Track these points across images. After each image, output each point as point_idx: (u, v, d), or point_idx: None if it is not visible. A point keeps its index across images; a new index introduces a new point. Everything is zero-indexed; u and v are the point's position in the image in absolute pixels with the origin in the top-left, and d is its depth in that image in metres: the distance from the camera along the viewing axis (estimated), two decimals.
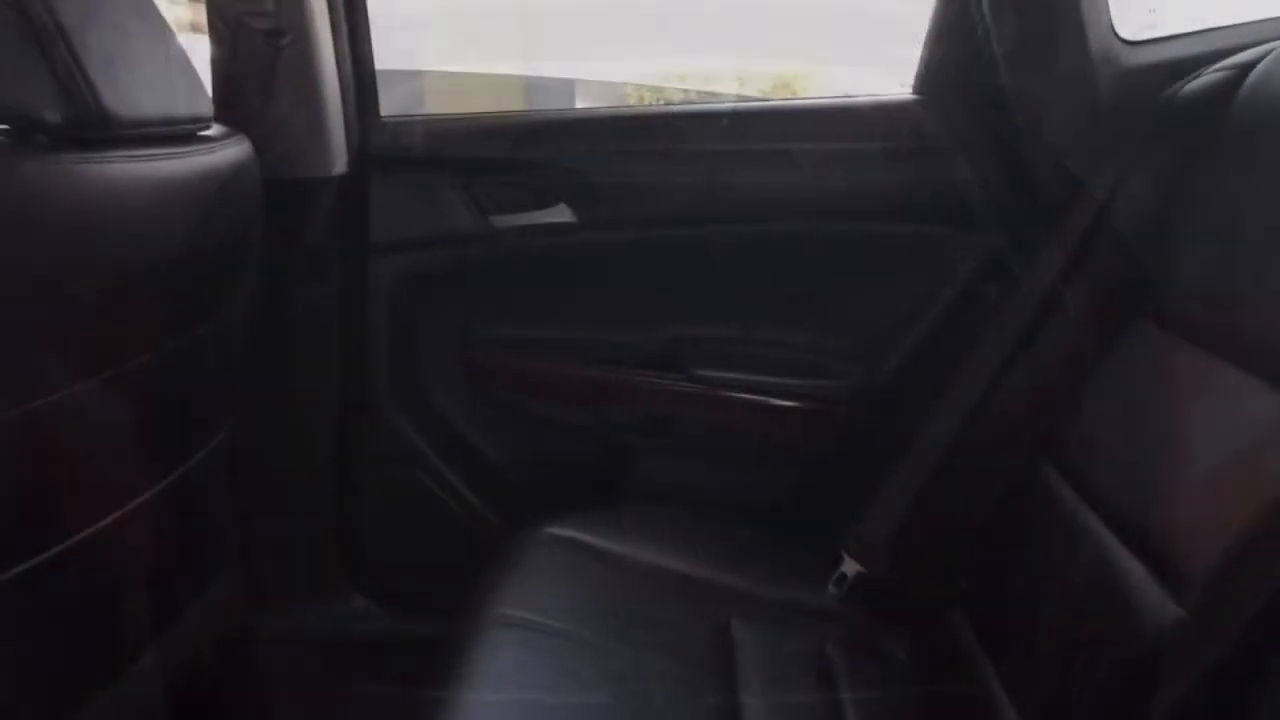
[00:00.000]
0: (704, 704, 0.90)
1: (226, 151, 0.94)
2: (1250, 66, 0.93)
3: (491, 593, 0.99)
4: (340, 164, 1.24)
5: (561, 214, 1.31)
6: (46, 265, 0.72)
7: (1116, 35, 1.13)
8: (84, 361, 0.79)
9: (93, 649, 0.94)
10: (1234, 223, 0.85)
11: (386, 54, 1.29)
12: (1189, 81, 1.01)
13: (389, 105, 1.30)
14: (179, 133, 0.86)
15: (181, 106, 0.86)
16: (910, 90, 1.26)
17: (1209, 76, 0.99)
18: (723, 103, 1.70)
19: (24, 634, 0.79)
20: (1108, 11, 1.12)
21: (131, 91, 0.77)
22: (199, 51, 1.10)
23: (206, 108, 0.92)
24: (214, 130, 0.95)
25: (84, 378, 0.78)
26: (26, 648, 0.81)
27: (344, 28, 1.21)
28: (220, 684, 1.29)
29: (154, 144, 0.82)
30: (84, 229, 0.74)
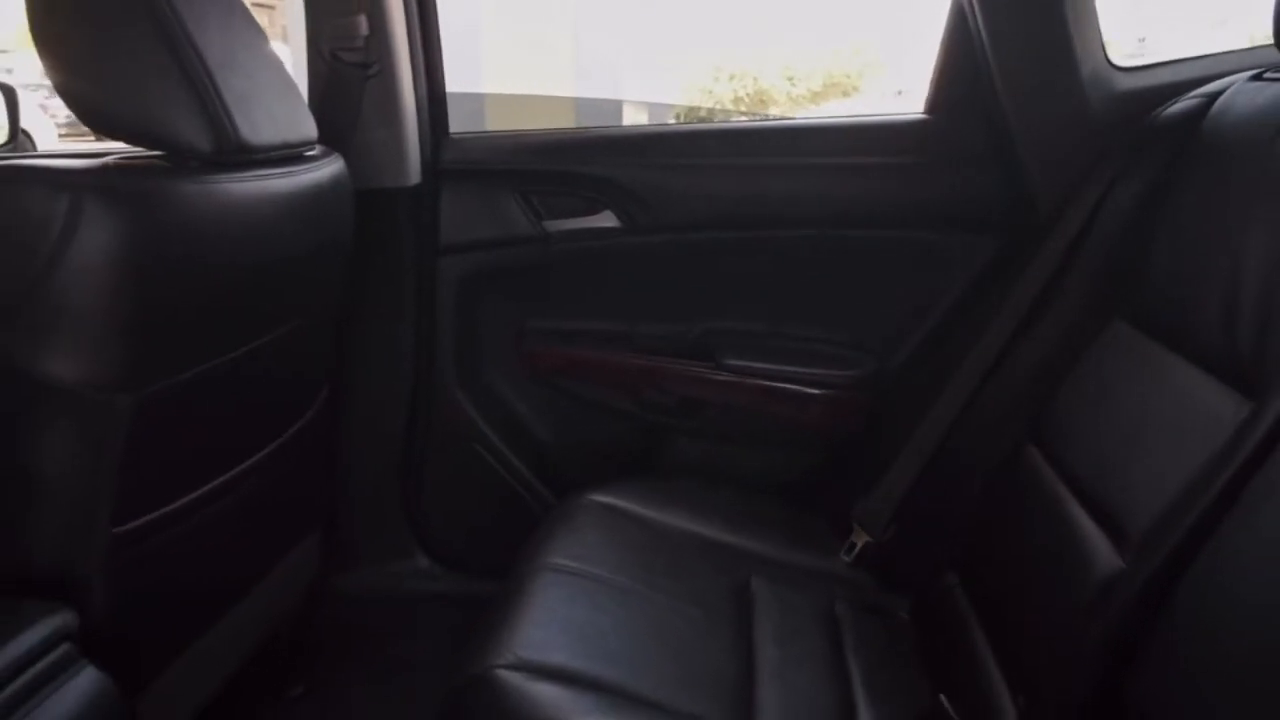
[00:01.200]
0: (723, 645, 1.01)
1: (327, 168, 1.09)
2: (1218, 95, 1.05)
3: (541, 545, 1.12)
4: (415, 176, 1.37)
5: (607, 220, 1.42)
6: (195, 267, 0.88)
7: (1109, 61, 1.23)
8: (215, 344, 0.95)
9: (206, 588, 1.10)
10: (1193, 232, 0.96)
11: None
12: (1169, 106, 1.11)
13: (458, 124, 1.44)
14: (293, 154, 1.02)
15: (295, 133, 1.02)
16: (922, 110, 1.37)
17: (1185, 102, 1.09)
18: (751, 122, 1.81)
19: (156, 571, 0.95)
20: (1100, 39, 1.22)
21: (260, 123, 0.93)
22: None
23: (312, 132, 1.08)
24: (316, 150, 1.11)
25: (216, 357, 0.95)
26: (158, 584, 0.96)
27: (420, 58, 1.34)
28: (299, 635, 1.45)
29: (275, 165, 0.98)
30: (223, 236, 0.90)
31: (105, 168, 0.82)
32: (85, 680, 0.78)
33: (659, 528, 1.22)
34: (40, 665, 0.75)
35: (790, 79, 13.49)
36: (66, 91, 0.87)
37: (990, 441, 1.16)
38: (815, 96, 13.48)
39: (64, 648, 0.78)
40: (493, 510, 1.50)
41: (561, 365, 1.50)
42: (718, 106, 13.48)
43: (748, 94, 13.43)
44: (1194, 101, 1.07)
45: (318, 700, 1.38)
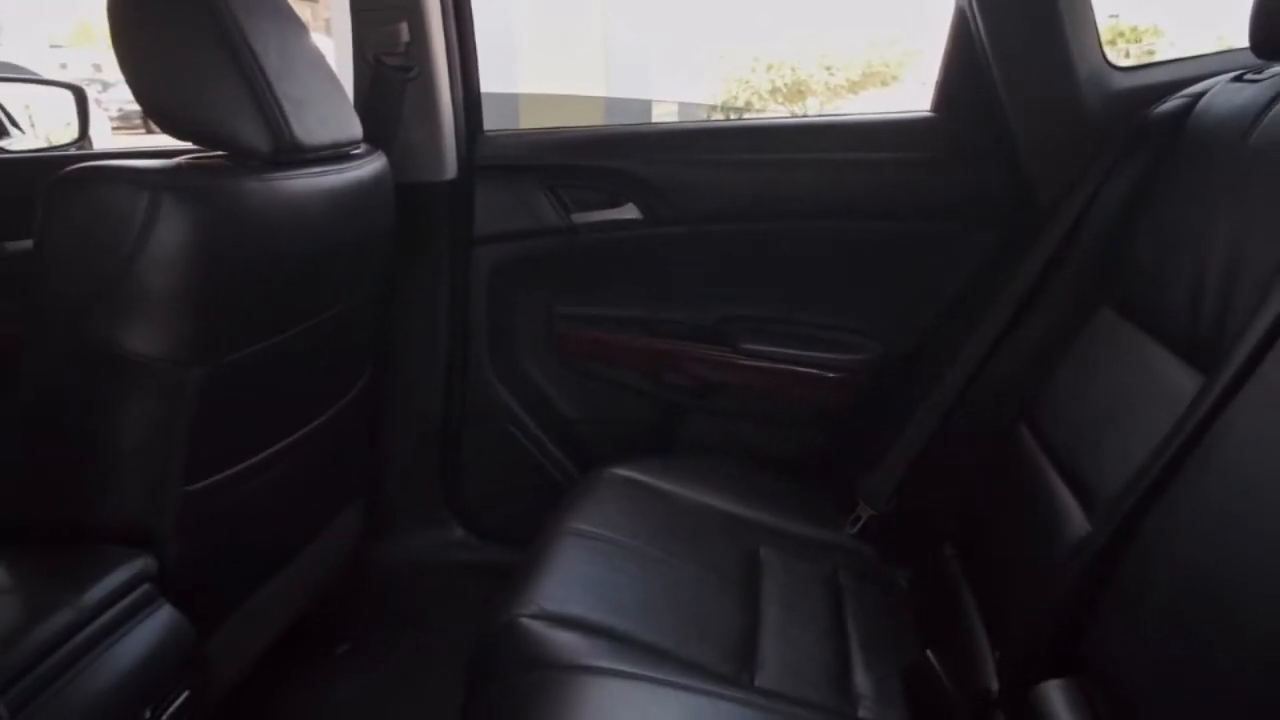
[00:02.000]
0: (730, 605, 1.09)
1: (371, 165, 1.19)
2: (1202, 95, 1.10)
3: (565, 513, 1.21)
4: (451, 171, 1.46)
5: (630, 212, 1.50)
6: (256, 255, 0.98)
7: (1106, 61, 1.29)
8: (273, 323, 1.05)
9: (264, 545, 1.21)
10: (1171, 224, 1.02)
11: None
12: (1158, 105, 1.17)
13: (495, 122, 1.53)
14: (341, 153, 1.12)
15: (343, 133, 1.12)
16: (928, 109, 1.43)
17: (1172, 102, 1.15)
18: (765, 119, 1.87)
19: (221, 526, 1.06)
20: (1097, 40, 1.27)
21: (312, 125, 1.04)
22: None
23: (358, 131, 1.18)
24: (361, 148, 1.21)
25: (274, 335, 1.05)
26: (223, 538, 1.07)
27: (457, 61, 1.44)
28: (344, 597, 1.56)
29: (325, 163, 1.08)
30: (280, 228, 1.01)
31: (179, 168, 0.93)
32: (163, 616, 0.89)
33: (675, 499, 1.30)
34: (125, 601, 0.86)
35: (828, 68, 13.39)
36: (143, 97, 0.97)
37: (986, 422, 1.23)
38: (853, 86, 13.36)
39: (144, 588, 0.89)
40: (522, 483, 1.59)
41: (587, 348, 1.58)
42: (755, 96, 13.42)
43: (785, 84, 13.36)
44: (1180, 101, 1.13)
45: (362, 656, 1.50)
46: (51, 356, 0.91)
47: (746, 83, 13.41)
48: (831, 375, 1.49)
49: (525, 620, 0.97)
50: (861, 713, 0.98)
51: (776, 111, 13.53)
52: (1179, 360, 0.90)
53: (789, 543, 1.27)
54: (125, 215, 0.87)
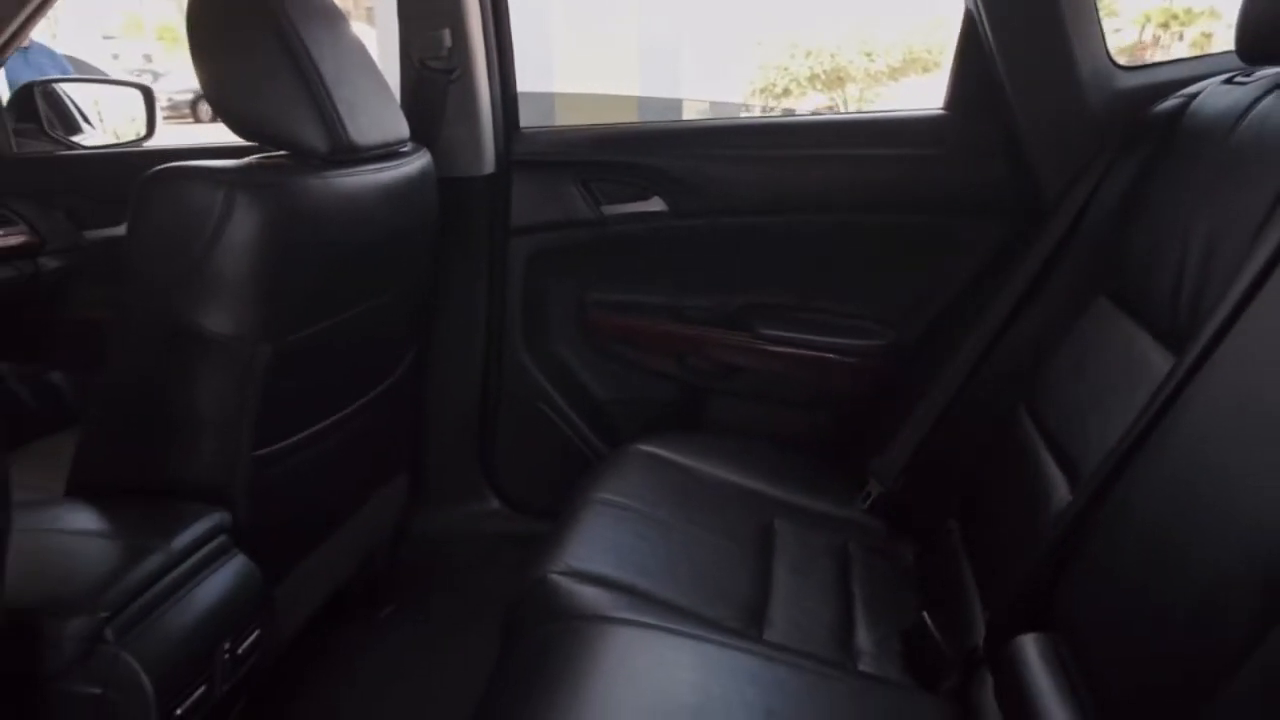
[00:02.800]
0: (745, 570, 1.18)
1: (417, 161, 1.29)
2: (1196, 95, 1.16)
3: (592, 484, 1.29)
4: (490, 166, 1.56)
5: (656, 204, 1.58)
6: (316, 244, 1.09)
7: (1111, 60, 1.35)
8: (331, 306, 1.16)
9: (319, 508, 1.33)
10: (1161, 217, 1.08)
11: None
12: (1156, 105, 1.23)
13: (531, 119, 1.62)
14: (390, 151, 1.22)
15: (392, 133, 1.22)
16: (940, 107, 1.50)
17: (1170, 102, 1.21)
18: (785, 117, 1.94)
19: (284, 488, 1.17)
20: (1101, 41, 1.33)
21: (365, 127, 1.14)
22: None
23: (405, 131, 1.28)
24: (408, 146, 1.31)
25: (331, 317, 1.16)
26: (286, 498, 1.18)
27: (495, 63, 1.53)
28: (389, 563, 1.68)
29: (376, 160, 1.18)
30: (336, 220, 1.11)
31: (249, 166, 1.04)
32: (238, 564, 1.01)
33: (696, 474, 1.38)
34: (206, 549, 0.98)
35: (868, 55, 13.23)
36: (216, 102, 1.08)
37: (990, 405, 1.30)
38: (894, 72, 13.18)
39: (221, 539, 1.01)
40: (553, 459, 1.69)
41: (616, 333, 1.67)
42: (793, 83, 13.32)
43: (824, 70, 13.23)
44: (1177, 101, 1.19)
45: (405, 617, 1.61)
46: (139, 335, 1.03)
47: (785, 69, 13.29)
48: (846, 360, 1.57)
49: (555, 577, 1.07)
50: (861, 666, 1.07)
51: (815, 98, 13.43)
52: (1159, 345, 0.97)
53: (802, 516, 1.35)
54: (204, 210, 0.98)
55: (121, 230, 1.74)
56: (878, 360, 1.55)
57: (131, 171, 1.77)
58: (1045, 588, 0.90)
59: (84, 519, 0.95)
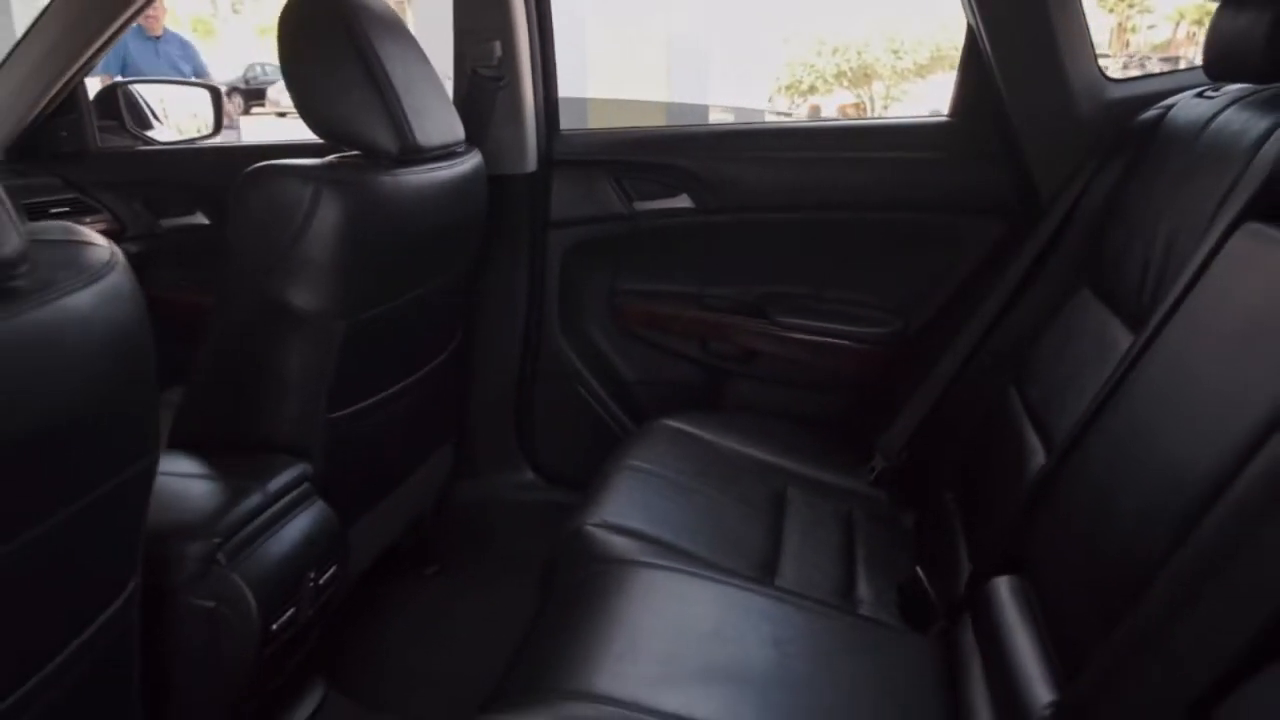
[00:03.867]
0: (759, 530, 1.31)
1: (470, 160, 1.44)
2: (1171, 107, 1.29)
3: (623, 453, 1.43)
4: (532, 164, 1.69)
5: (683, 201, 1.71)
6: (386, 234, 1.24)
7: (1102, 73, 1.47)
8: (396, 288, 1.31)
9: (380, 468, 1.48)
10: (1135, 216, 1.21)
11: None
12: (1141, 115, 1.36)
13: (567, 122, 1.76)
14: (448, 151, 1.37)
15: (450, 135, 1.37)
16: (946, 114, 1.63)
17: (1152, 112, 1.33)
18: (802, 122, 2.06)
19: (353, 447, 1.32)
20: (1091, 55, 1.45)
21: (429, 130, 1.29)
22: None
23: (461, 133, 1.43)
24: (462, 146, 1.46)
25: (396, 298, 1.31)
26: (354, 456, 1.33)
27: (539, 71, 1.68)
28: (434, 527, 1.82)
29: (437, 160, 1.33)
30: (403, 214, 1.26)
31: (331, 165, 1.19)
32: (319, 508, 1.17)
33: (717, 447, 1.52)
34: (293, 493, 1.14)
35: (896, 52, 13.22)
36: (301, 107, 1.23)
37: (984, 386, 1.43)
38: (921, 70, 13.15)
39: (304, 486, 1.17)
40: (585, 434, 1.83)
41: (644, 319, 1.81)
42: (819, 80, 13.31)
43: (851, 68, 13.24)
44: (1156, 112, 1.31)
45: (448, 577, 1.76)
46: (237, 311, 1.19)
47: (811, 66, 13.31)
48: (855, 346, 1.69)
49: (590, 528, 1.22)
50: (861, 611, 1.21)
51: (842, 95, 13.45)
52: (1125, 328, 1.11)
53: (812, 486, 1.49)
54: (294, 203, 1.13)
55: (193, 219, 1.93)
56: (885, 346, 1.68)
57: (201, 165, 1.95)
58: (1018, 537, 1.04)
59: (192, 466, 1.11)
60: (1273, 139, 0.91)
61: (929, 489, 1.47)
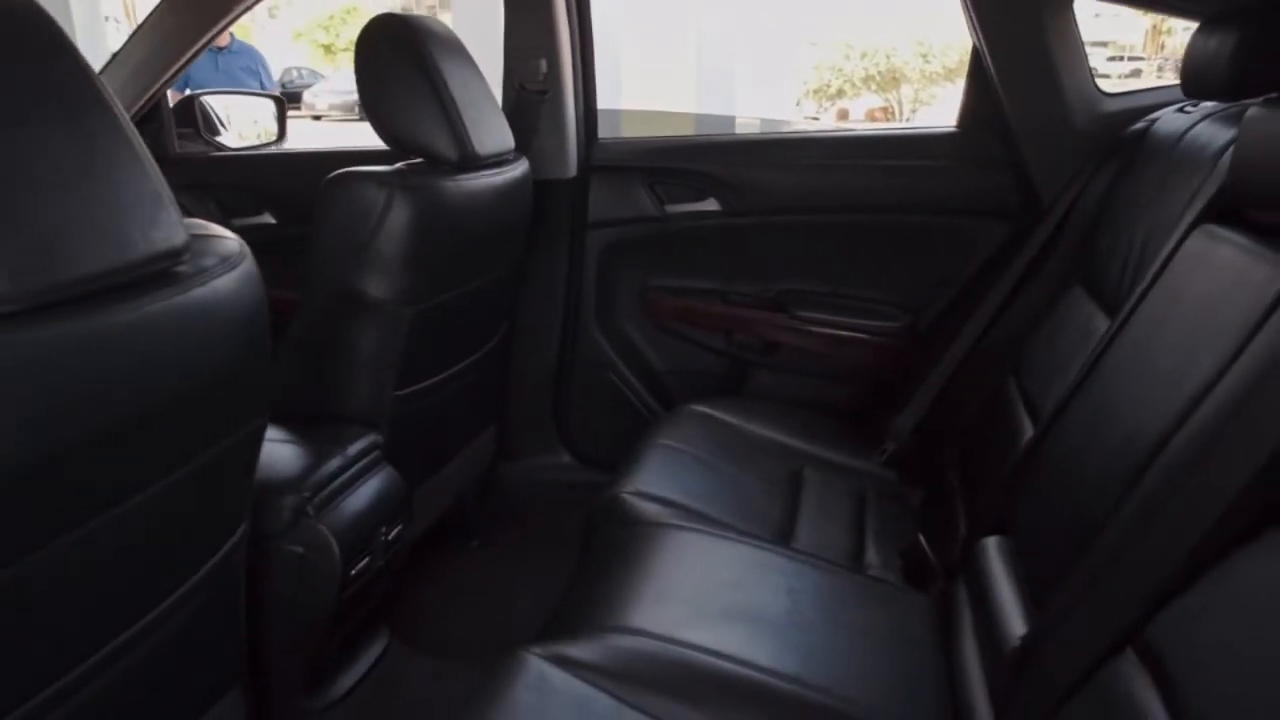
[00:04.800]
0: (777, 503, 1.44)
1: (519, 167, 1.60)
2: (1156, 119, 1.42)
3: (653, 433, 1.57)
4: (573, 170, 1.84)
5: (711, 204, 1.85)
6: (449, 232, 1.39)
7: (1097, 87, 1.60)
8: (455, 280, 1.46)
9: (435, 444, 1.64)
10: (1121, 218, 1.34)
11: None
12: (1129, 127, 1.48)
13: (604, 131, 1.91)
14: (500, 159, 1.53)
15: (502, 144, 1.52)
16: (954, 125, 1.76)
17: (1139, 124, 1.46)
18: (820, 131, 2.19)
19: (414, 422, 1.47)
20: (1086, 72, 1.58)
21: (484, 139, 1.44)
22: None
23: (512, 142, 1.58)
24: (512, 155, 1.62)
25: (455, 289, 1.47)
26: (415, 430, 1.47)
27: (580, 85, 1.83)
28: (477, 504, 1.98)
29: (491, 166, 1.49)
30: (462, 214, 1.42)
31: (401, 171, 1.35)
32: (388, 472, 1.32)
33: (740, 430, 1.65)
34: (367, 459, 1.29)
35: (924, 56, 13.21)
36: (374, 119, 1.39)
37: (986, 375, 1.56)
38: (949, 73, 13.12)
39: (376, 453, 1.33)
40: (618, 420, 1.96)
41: (673, 313, 1.94)
42: (847, 84, 13.31)
43: (879, 71, 13.24)
44: (1143, 124, 1.44)
45: (490, 551, 1.91)
46: (318, 299, 1.35)
47: (839, 70, 13.33)
48: (869, 339, 1.82)
49: (624, 495, 1.37)
50: (869, 572, 1.34)
51: (869, 99, 13.46)
52: (1106, 319, 1.23)
53: (828, 466, 1.62)
54: (370, 205, 1.29)
55: (261, 218, 2.10)
56: (896, 339, 1.81)
57: (268, 170, 2.12)
58: (1006, 502, 1.17)
59: (283, 434, 1.27)
60: (1229, 151, 1.04)
61: (934, 468, 1.59)
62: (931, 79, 13.27)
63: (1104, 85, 1.60)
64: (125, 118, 0.73)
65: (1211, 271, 0.93)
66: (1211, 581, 0.69)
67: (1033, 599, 0.99)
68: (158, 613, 0.84)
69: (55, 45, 0.69)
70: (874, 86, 13.33)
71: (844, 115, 13.07)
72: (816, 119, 13.02)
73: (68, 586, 0.72)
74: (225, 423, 0.84)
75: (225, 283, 0.79)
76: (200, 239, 0.81)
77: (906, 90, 13.29)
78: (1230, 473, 0.70)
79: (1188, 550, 0.71)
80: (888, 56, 13.04)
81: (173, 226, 0.74)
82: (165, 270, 0.74)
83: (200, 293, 0.76)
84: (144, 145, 0.74)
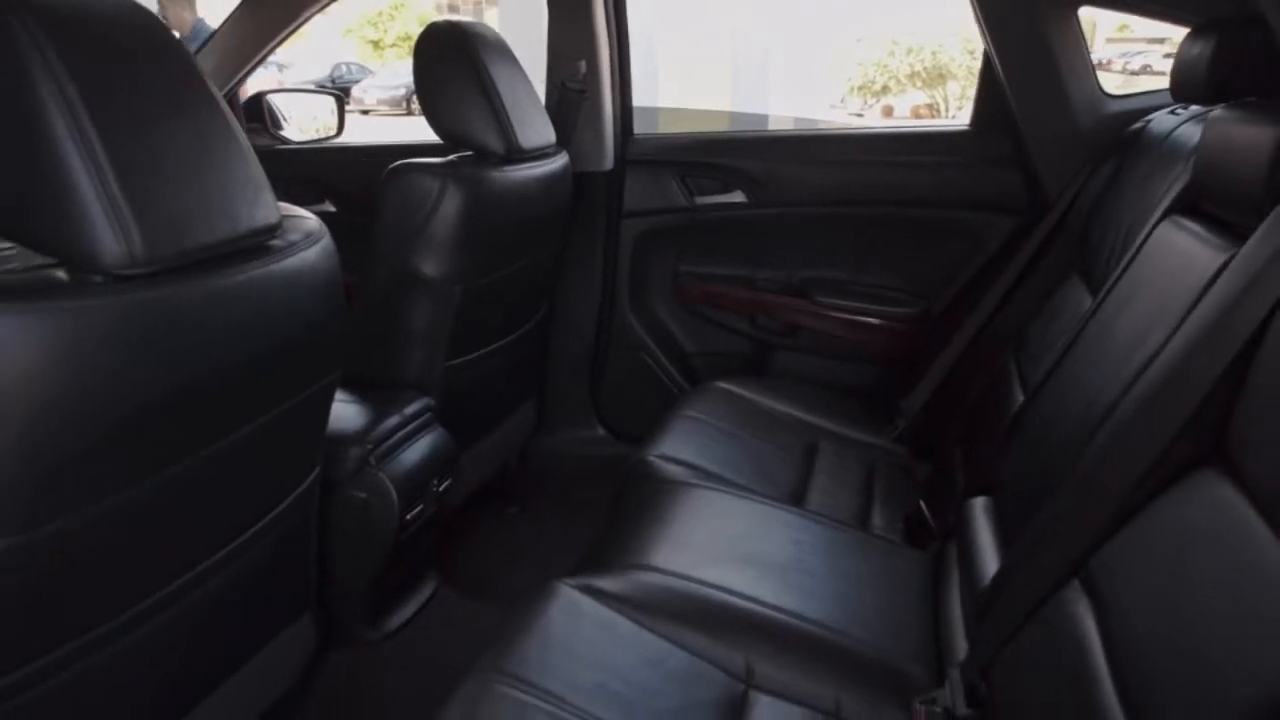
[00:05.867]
0: (792, 470, 1.57)
1: (560, 160, 1.74)
2: (1150, 121, 1.52)
3: (679, 405, 1.71)
4: (609, 163, 1.98)
5: (738, 196, 1.98)
6: (497, 218, 1.54)
7: (1101, 90, 1.70)
8: (501, 262, 1.61)
9: (480, 412, 1.79)
10: (1115, 212, 1.44)
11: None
12: (1127, 128, 1.58)
13: (638, 128, 2.04)
14: (542, 152, 1.68)
15: (545, 138, 1.67)
16: (967, 124, 1.87)
17: (1136, 125, 1.56)
18: (841, 129, 2.30)
19: (463, 391, 1.62)
20: (1092, 76, 1.68)
21: (528, 134, 1.59)
22: None
23: (553, 137, 1.73)
24: (553, 148, 1.77)
25: (501, 270, 1.61)
26: (464, 397, 1.62)
27: (618, 84, 1.97)
28: (516, 473, 2.12)
29: (535, 159, 1.64)
30: (508, 203, 1.57)
31: (453, 163, 1.50)
32: (439, 432, 1.48)
33: (761, 405, 1.78)
34: (421, 419, 1.45)
35: (971, 52, 13.05)
36: (429, 114, 1.54)
37: (990, 358, 1.66)
38: None
39: (428, 415, 1.48)
40: (649, 397, 2.09)
41: (702, 297, 2.08)
42: (892, 80, 13.23)
43: (925, 68, 13.13)
44: (1139, 125, 1.54)
45: (527, 517, 2.05)
46: (379, 278, 1.51)
47: (884, 67, 13.26)
48: (885, 324, 1.95)
49: (650, 458, 1.51)
50: (874, 532, 1.46)
51: (915, 95, 13.38)
52: (1092, 298, 1.35)
53: (842, 441, 1.74)
54: (425, 193, 1.45)
55: (323, 207, 2.27)
56: (910, 324, 1.93)
57: (330, 162, 2.29)
58: (993, 466, 1.29)
59: (348, 395, 1.44)
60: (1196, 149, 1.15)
61: (941, 444, 1.71)
62: (978, 75, 13.08)
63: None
64: (231, 114, 0.89)
65: (1171, 257, 1.05)
66: (1142, 519, 0.81)
67: (1004, 546, 1.12)
68: (248, 536, 0.99)
69: (173, 51, 0.84)
70: (919, 83, 13.24)
71: (889, 112, 13.00)
72: (860, 115, 12.95)
73: (182, 505, 0.88)
74: (309, 373, 1.00)
75: (310, 255, 0.94)
76: (288, 218, 0.97)
77: (953, 87, 13.18)
78: (1164, 426, 0.82)
79: (1126, 493, 0.83)
80: (934, 53, 12.93)
81: (269, 207, 0.90)
82: (263, 243, 0.90)
83: (290, 262, 0.91)
84: (246, 138, 0.90)
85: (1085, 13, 1.66)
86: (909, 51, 12.99)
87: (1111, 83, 1.73)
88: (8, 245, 1.39)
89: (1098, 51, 10.33)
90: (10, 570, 0.72)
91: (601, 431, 2.18)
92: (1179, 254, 1.02)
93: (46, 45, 0.70)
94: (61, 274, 0.74)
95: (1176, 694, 0.64)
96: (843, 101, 12.78)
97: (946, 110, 13.10)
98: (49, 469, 0.71)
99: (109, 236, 0.72)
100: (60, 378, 0.69)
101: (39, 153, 0.70)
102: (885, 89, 13.22)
